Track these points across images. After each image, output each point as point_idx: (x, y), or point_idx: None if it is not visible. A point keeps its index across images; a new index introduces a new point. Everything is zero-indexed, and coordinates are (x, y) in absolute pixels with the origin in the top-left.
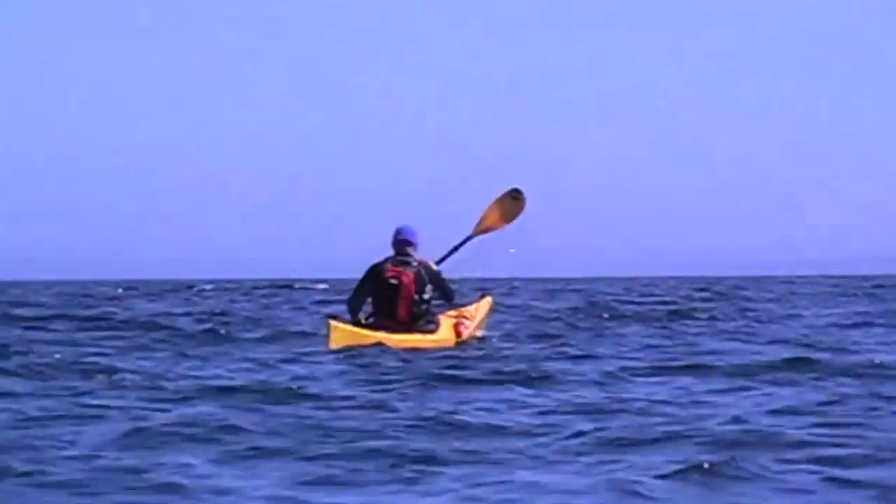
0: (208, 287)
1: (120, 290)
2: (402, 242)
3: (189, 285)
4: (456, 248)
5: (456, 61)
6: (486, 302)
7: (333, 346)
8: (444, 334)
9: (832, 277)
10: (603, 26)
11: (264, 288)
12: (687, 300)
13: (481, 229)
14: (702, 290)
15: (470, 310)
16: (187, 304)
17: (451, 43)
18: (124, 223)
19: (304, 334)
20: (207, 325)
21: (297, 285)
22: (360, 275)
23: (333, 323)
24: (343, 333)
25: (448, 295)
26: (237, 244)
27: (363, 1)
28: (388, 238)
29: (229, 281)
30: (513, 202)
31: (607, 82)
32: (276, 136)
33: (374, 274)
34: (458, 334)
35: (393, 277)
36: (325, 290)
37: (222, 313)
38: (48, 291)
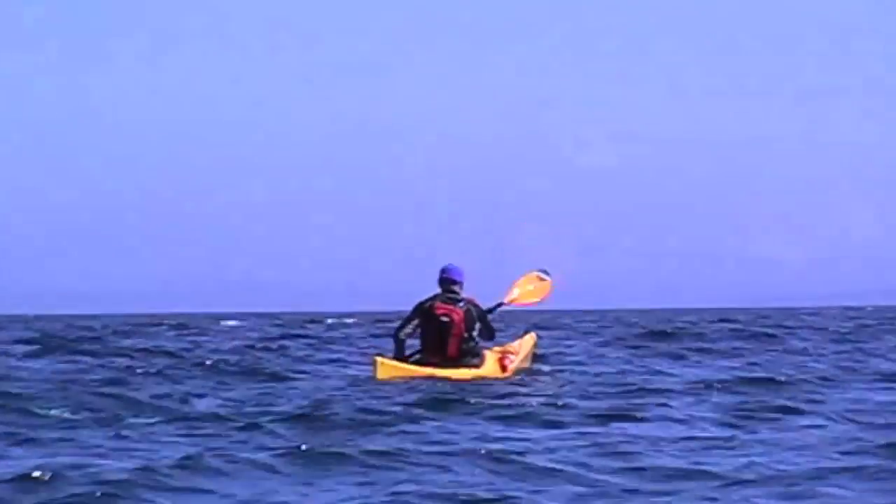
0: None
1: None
2: (447, 281)
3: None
4: (490, 311)
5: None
6: (530, 337)
7: (380, 377)
8: (489, 369)
9: None
10: None
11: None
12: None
13: (513, 300)
14: None
15: (514, 345)
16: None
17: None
18: None
19: None
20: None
21: (328, 320)
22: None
23: (379, 360)
24: (388, 368)
25: (491, 334)
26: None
27: None
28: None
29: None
30: (540, 283)
31: None
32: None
33: (424, 311)
34: (504, 368)
35: (444, 315)
36: (355, 323)
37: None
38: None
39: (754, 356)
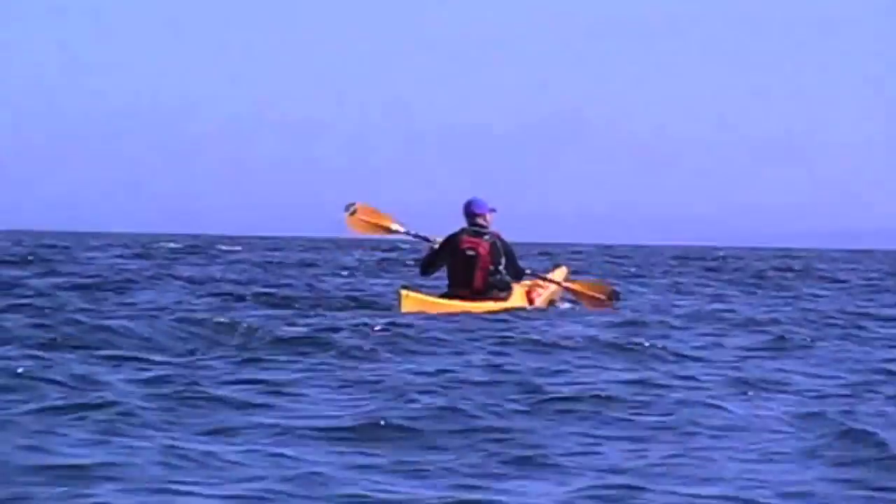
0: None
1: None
2: (472, 214)
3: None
4: (542, 278)
5: None
6: (560, 271)
7: (405, 310)
8: (516, 301)
9: None
10: None
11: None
12: None
13: (570, 289)
14: None
15: (544, 277)
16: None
17: None
18: None
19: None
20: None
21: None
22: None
23: (404, 291)
24: (413, 301)
25: (517, 272)
26: None
27: None
28: None
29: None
30: (606, 301)
31: None
32: None
33: (450, 244)
34: (531, 301)
35: (470, 248)
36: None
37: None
38: None
39: None
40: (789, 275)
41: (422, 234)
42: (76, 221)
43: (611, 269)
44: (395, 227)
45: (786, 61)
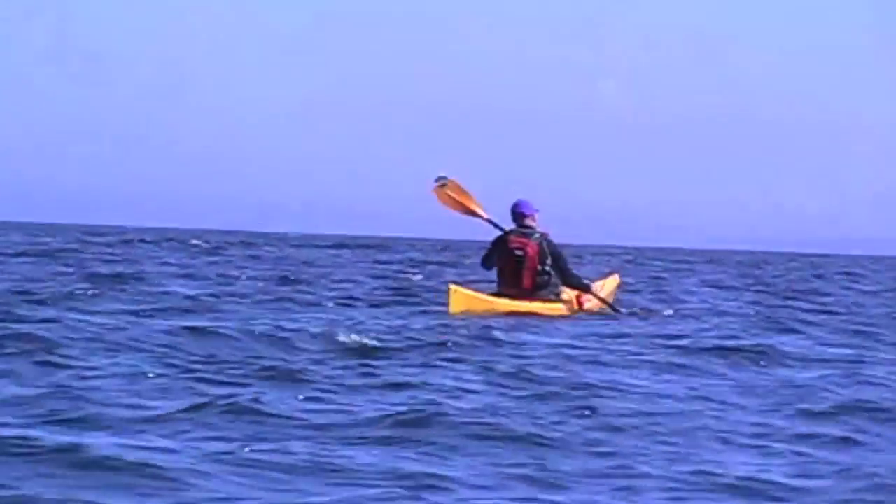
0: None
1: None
2: (519, 216)
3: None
4: (584, 288)
5: None
6: (613, 280)
7: (454, 310)
8: (564, 304)
9: None
10: None
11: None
12: None
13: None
14: None
15: (596, 284)
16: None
17: None
18: None
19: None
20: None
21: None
22: None
23: (454, 287)
24: (463, 298)
25: (564, 273)
26: None
27: None
28: None
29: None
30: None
31: None
32: None
33: (500, 244)
34: (580, 305)
35: (518, 248)
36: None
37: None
38: None
39: None
40: None
41: (501, 224)
42: None
43: None
44: (478, 210)
45: None
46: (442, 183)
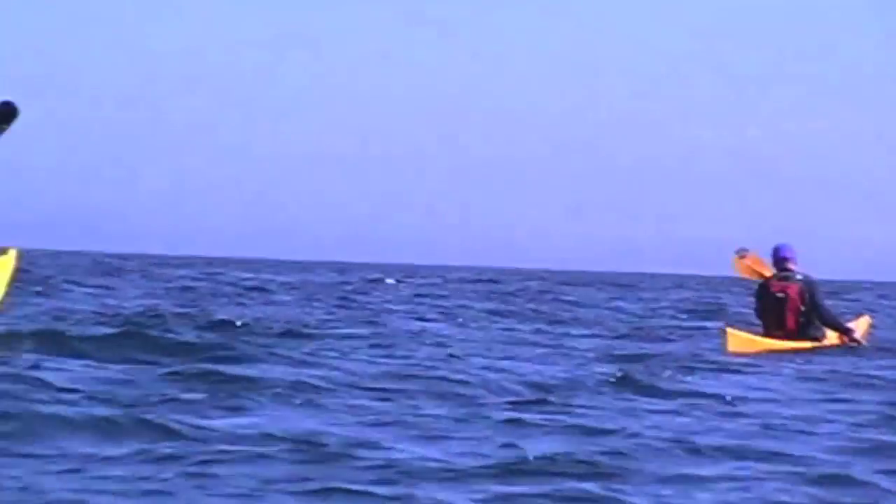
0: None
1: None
2: (779, 259)
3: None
4: (842, 329)
5: None
6: (865, 321)
7: (730, 349)
8: (831, 342)
9: None
10: None
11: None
12: None
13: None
14: None
15: (850, 325)
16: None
17: None
18: None
19: None
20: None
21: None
22: None
23: (730, 330)
24: (738, 340)
25: (819, 310)
26: None
27: None
28: None
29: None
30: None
31: None
32: None
33: (763, 289)
34: (843, 343)
35: (780, 291)
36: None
37: None
38: None
39: None
40: None
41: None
42: None
43: None
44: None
45: None
46: (741, 255)
